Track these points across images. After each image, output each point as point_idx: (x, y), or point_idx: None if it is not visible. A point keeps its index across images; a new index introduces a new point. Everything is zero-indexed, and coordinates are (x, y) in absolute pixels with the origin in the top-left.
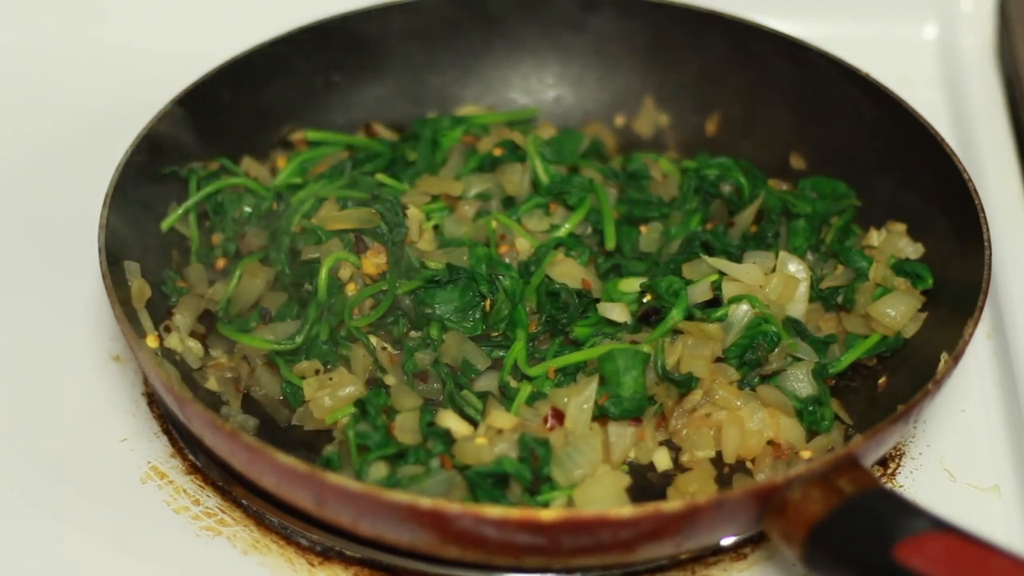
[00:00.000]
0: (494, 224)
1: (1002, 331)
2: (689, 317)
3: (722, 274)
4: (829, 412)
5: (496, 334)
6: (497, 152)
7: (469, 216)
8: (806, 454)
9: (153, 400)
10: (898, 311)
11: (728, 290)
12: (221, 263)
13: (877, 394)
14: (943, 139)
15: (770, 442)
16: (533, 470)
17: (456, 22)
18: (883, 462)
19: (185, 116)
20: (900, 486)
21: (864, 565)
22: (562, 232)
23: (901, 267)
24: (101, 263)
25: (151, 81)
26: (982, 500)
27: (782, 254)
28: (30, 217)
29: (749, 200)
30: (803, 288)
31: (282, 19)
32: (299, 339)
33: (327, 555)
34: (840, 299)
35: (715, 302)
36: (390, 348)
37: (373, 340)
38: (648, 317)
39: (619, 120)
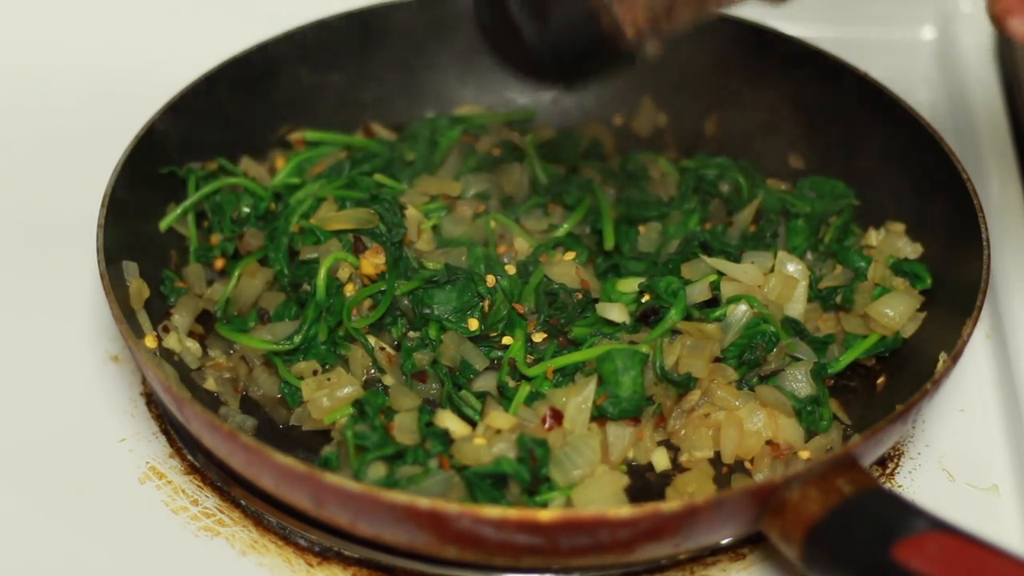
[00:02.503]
0: (493, 224)
1: (1001, 331)
2: (688, 317)
3: (721, 274)
4: (828, 412)
5: (494, 334)
6: (496, 152)
7: (468, 216)
8: (805, 454)
9: (151, 400)
10: (897, 311)
11: (727, 290)
12: (220, 263)
13: (876, 394)
14: (942, 139)
15: (769, 442)
16: (531, 470)
17: (454, 22)
18: (882, 462)
19: (183, 116)
20: (899, 486)
21: (862, 565)
22: (561, 232)
23: (900, 267)
24: (99, 263)
25: (150, 80)
26: (981, 500)
27: (781, 254)
28: (29, 217)
29: (748, 200)
30: (802, 288)
31: (281, 19)
32: (297, 339)
33: (325, 555)
34: (839, 299)
35: (714, 302)
36: (388, 348)
37: (371, 340)
38: (647, 317)
39: (618, 120)
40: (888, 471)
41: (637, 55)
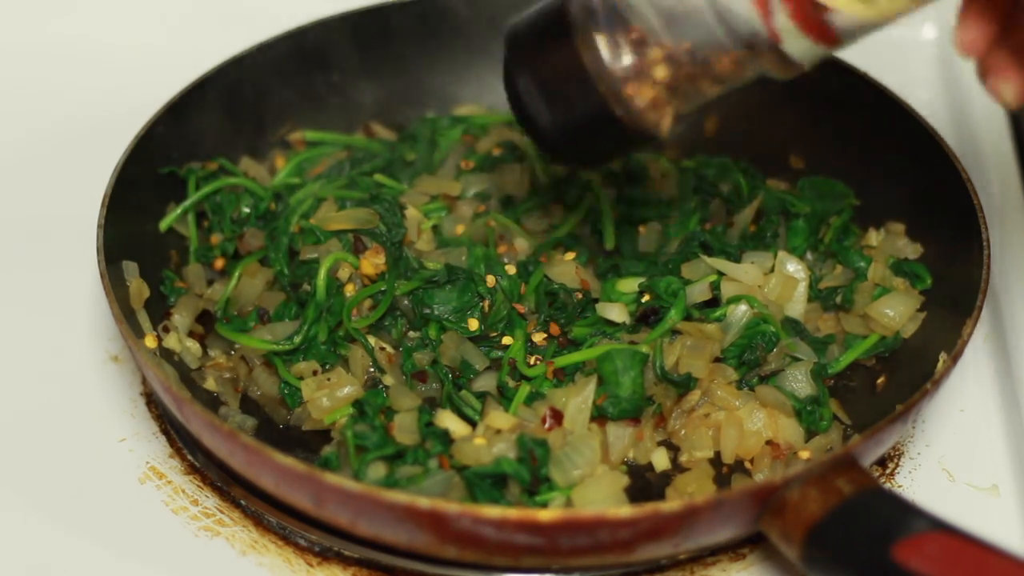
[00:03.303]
0: (493, 224)
1: (1001, 331)
2: (688, 317)
3: (721, 274)
4: (828, 412)
5: (494, 334)
6: (496, 152)
7: (468, 216)
8: (805, 454)
9: (152, 400)
10: (897, 311)
11: (727, 290)
12: (220, 263)
13: (876, 394)
14: (942, 139)
15: (769, 442)
16: (531, 470)
17: (454, 22)
18: (882, 462)
19: (184, 116)
20: (899, 486)
21: (862, 565)
22: (561, 232)
23: (900, 267)
24: (99, 263)
25: (150, 80)
26: (981, 500)
27: (781, 254)
28: (29, 217)
29: (748, 200)
30: (802, 288)
31: (282, 19)
32: (297, 339)
33: (325, 555)
34: (839, 299)
35: (714, 302)
36: (388, 348)
37: (371, 340)
38: (647, 317)
39: None
40: (888, 471)
41: (654, 135)
